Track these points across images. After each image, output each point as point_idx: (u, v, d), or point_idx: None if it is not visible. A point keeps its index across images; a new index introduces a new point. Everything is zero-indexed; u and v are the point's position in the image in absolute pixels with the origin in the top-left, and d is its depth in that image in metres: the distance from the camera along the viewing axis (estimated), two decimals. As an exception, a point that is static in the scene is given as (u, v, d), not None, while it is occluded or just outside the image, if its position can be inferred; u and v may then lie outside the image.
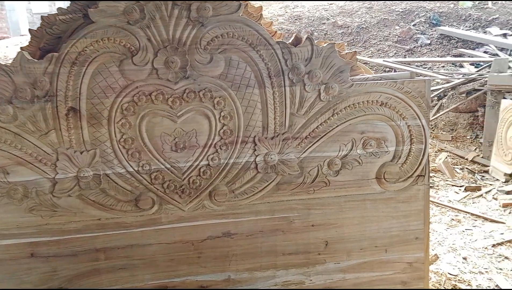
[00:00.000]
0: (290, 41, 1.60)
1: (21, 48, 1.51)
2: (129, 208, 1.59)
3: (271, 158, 1.61)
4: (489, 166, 4.05)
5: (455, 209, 3.12)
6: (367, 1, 7.52)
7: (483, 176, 3.94)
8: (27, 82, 1.45)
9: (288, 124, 1.60)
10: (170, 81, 1.51)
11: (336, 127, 1.63)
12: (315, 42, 1.59)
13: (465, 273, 2.22)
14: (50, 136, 1.49)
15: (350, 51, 1.84)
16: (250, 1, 1.67)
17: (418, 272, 1.81)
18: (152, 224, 1.61)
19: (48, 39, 1.53)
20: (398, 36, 6.62)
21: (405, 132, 1.67)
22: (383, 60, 5.86)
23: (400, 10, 7.18)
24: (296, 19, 7.12)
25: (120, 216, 1.59)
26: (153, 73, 1.50)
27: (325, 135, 1.63)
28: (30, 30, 1.56)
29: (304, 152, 1.64)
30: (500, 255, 2.40)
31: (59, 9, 1.52)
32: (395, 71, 5.50)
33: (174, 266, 1.66)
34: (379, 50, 6.45)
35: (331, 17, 7.15)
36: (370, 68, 4.42)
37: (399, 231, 1.76)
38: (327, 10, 7.40)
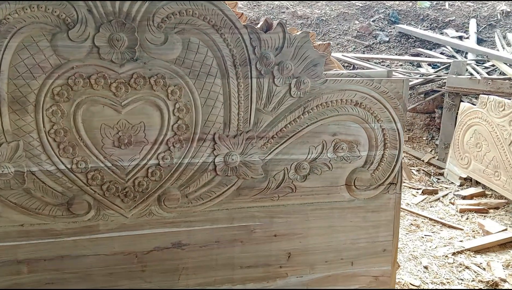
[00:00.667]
0: (259, 26, 1.40)
1: None
2: (60, 213, 1.38)
3: (232, 159, 1.44)
4: (444, 168, 4.06)
5: (414, 213, 3.07)
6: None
7: (439, 179, 3.94)
8: None
9: (253, 121, 1.45)
10: (115, 63, 1.31)
11: (306, 127, 1.50)
12: (287, 29, 1.40)
13: (427, 283, 2.14)
14: (-40, 123, 1.26)
15: (323, 43, 1.67)
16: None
17: (384, 286, 1.71)
18: (87, 232, 1.42)
19: (-36, 3, 1.27)
20: (358, 31, 6.59)
21: (379, 136, 1.58)
22: (342, 55, 5.78)
23: (360, 4, 7.15)
24: (255, 5, 6.92)
25: (48, 222, 1.38)
26: (93, 52, 1.29)
27: (293, 135, 1.50)
28: None
29: (269, 153, 1.49)
30: (460, 264, 2.35)
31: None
32: (354, 68, 5.44)
33: (113, 281, 1.47)
34: (338, 44, 6.38)
35: (291, 6, 6.99)
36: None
37: (367, 242, 1.67)
38: (287, -2, 7.23)
